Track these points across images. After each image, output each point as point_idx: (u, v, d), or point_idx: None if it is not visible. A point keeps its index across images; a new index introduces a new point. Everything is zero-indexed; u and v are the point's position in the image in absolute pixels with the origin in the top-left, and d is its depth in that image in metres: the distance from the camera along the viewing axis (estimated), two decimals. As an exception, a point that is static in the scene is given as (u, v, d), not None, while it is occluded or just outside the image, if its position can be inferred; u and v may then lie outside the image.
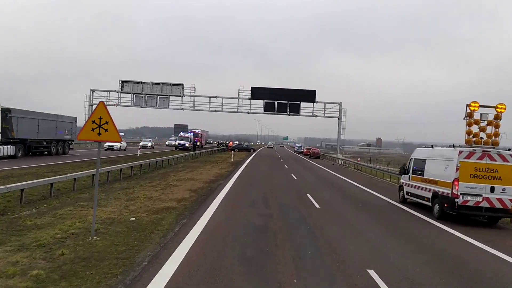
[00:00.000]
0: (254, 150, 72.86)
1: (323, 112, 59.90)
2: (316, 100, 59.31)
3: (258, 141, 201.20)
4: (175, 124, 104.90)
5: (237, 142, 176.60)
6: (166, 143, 66.08)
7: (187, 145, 60.25)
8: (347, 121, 60.81)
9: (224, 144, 74.67)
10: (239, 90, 60.25)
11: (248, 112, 60.09)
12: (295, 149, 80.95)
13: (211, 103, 60.29)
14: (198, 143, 73.72)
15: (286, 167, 37.97)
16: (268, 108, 59.72)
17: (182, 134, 62.11)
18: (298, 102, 59.67)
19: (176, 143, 60.96)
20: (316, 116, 59.88)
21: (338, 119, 60.28)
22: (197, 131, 75.29)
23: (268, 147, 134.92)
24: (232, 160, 41.51)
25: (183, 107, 60.35)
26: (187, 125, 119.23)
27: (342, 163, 53.62)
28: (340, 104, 60.12)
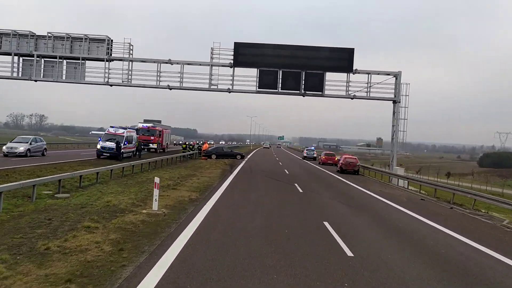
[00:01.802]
0: (243, 157, 43.95)
1: (366, 89, 31.42)
2: (354, 69, 30.90)
3: (248, 141, 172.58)
4: (144, 120, 74.21)
5: (223, 142, 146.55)
6: (4, 148, 32.93)
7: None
8: (410, 105, 32.62)
9: (194, 147, 45.56)
10: (212, 49, 31.66)
11: (228, 90, 31.48)
12: (305, 154, 52.16)
13: (161, 74, 31.71)
14: (153, 146, 44.89)
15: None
16: (266, 83, 31.17)
17: (111, 130, 33.46)
18: (321, 72, 31.13)
19: (99, 147, 32.25)
20: (354, 97, 31.33)
21: (394, 102, 31.82)
22: (149, 126, 46.37)
23: (264, 147, 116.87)
24: (145, 210, 12.52)
25: (109, 80, 31.63)
26: (160, 121, 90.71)
27: (412, 189, 25.27)
28: (396, 76, 31.68)
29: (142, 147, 44.70)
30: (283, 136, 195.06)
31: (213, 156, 42.13)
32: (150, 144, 45.03)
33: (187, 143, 47.98)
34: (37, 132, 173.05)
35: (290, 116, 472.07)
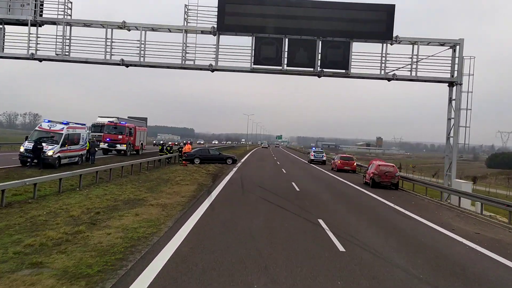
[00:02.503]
0: (235, 161, 33.65)
1: (410, 66, 21.18)
2: (395, 36, 20.77)
3: (243, 140, 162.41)
4: (128, 117, 63.49)
5: (216, 142, 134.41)
6: None
7: (50, 152, 21.24)
8: (475, 90, 22.49)
9: (173, 148, 34.90)
10: (186, 7, 21.37)
11: (211, 68, 21.18)
12: (312, 157, 41.70)
13: (113, 45, 21.41)
14: (122, 147, 34.58)
15: None
16: (265, 57, 21.01)
17: (45, 125, 23.13)
18: (346, 41, 20.94)
19: (22, 150, 21.94)
20: (393, 77, 21.02)
21: (450, 84, 21.56)
22: (116, 122, 35.83)
23: (262, 147, 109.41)
24: None
25: (38, 51, 21.29)
26: (145, 118, 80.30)
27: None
28: (455, 47, 21.39)
29: (108, 148, 34.62)
30: (281, 135, 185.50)
31: (196, 161, 31.82)
32: (118, 145, 34.71)
33: (164, 143, 37.47)
34: (29, 132, 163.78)
35: (288, 116, 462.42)
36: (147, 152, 41.37)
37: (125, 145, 34.81)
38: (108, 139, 34.35)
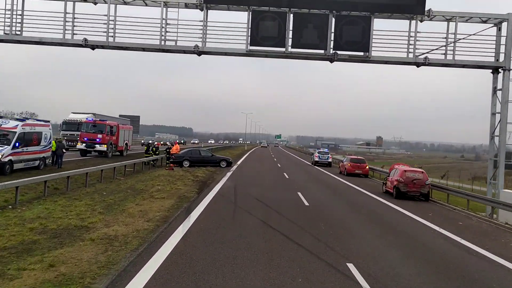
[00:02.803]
0: (230, 164, 29.34)
1: (445, 47, 16.86)
2: (427, 10, 16.43)
3: (241, 139, 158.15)
4: (119, 115, 59.37)
5: (212, 141, 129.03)
6: None
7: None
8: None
9: (158, 150, 30.26)
10: (166, -27, 16.98)
11: (197, 50, 16.80)
12: (317, 159, 37.28)
13: (75, 21, 17.10)
14: (102, 148, 30.21)
15: None
16: (264, 36, 16.59)
17: (-3, 123, 18.90)
18: (366, 15, 16.62)
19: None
20: (424, 61, 16.65)
21: (495, 69, 17.16)
22: (96, 120, 31.28)
23: (262, 146, 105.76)
24: None
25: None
26: (138, 117, 75.72)
27: None
28: (500, 24, 17.12)
29: (86, 149, 30.28)
30: (280, 135, 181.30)
31: (185, 164, 27.44)
32: (97, 145, 30.30)
33: (150, 144, 32.94)
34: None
35: (287, 115, 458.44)
36: (133, 153, 37.00)
37: (105, 146, 30.40)
38: (87, 139, 30.02)
